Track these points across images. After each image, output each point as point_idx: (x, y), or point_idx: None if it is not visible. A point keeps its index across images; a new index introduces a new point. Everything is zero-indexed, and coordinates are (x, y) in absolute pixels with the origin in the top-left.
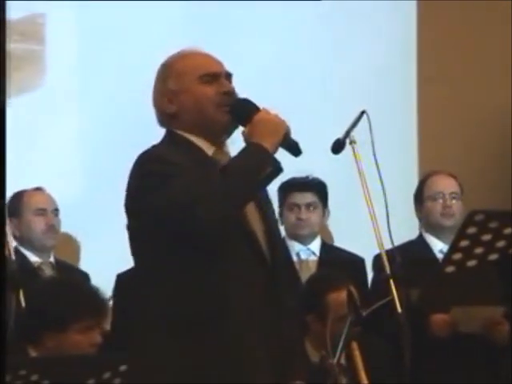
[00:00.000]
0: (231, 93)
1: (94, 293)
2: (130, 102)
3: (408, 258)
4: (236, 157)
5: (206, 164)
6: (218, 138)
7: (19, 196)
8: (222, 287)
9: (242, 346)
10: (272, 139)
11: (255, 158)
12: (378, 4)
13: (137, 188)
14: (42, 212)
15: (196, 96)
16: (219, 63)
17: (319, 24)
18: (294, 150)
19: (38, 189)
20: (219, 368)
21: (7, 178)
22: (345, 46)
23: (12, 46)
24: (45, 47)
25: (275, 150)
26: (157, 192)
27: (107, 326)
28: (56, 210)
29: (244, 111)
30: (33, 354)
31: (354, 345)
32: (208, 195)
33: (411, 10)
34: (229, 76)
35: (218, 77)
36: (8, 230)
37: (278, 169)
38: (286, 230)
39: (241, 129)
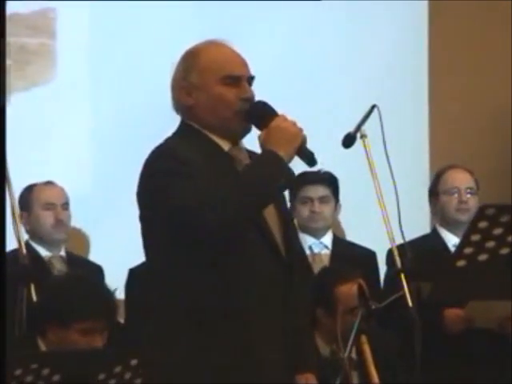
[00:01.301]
0: (250, 99)
1: (101, 295)
2: (140, 96)
3: (422, 253)
4: (251, 164)
5: (223, 160)
6: (232, 139)
7: (30, 189)
8: (237, 281)
9: (256, 343)
10: (288, 148)
11: (271, 167)
12: None
13: (149, 185)
14: (50, 206)
15: (215, 97)
16: (244, 64)
17: (330, 20)
18: (310, 160)
19: (49, 182)
20: (233, 363)
21: (17, 171)
22: (356, 40)
23: (24, 40)
24: (56, 41)
25: (290, 160)
26: (168, 191)
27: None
28: (66, 204)
29: (261, 115)
30: (42, 346)
31: (364, 338)
32: (220, 202)
33: (423, 5)
34: (251, 79)
35: (241, 80)
36: (20, 224)
37: (291, 180)
38: (299, 223)
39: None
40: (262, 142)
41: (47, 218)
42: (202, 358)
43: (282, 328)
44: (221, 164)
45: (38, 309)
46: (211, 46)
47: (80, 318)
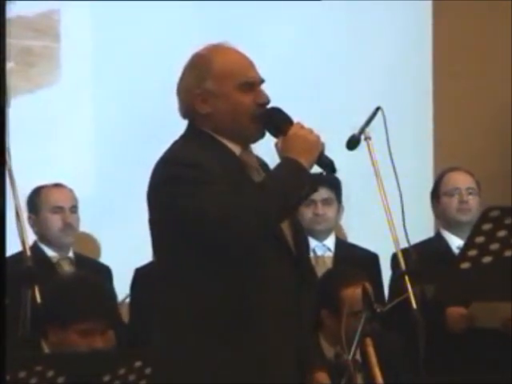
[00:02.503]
0: (266, 104)
1: (101, 296)
2: (144, 98)
3: (425, 255)
4: (275, 173)
5: (235, 164)
6: (246, 144)
7: (38, 192)
8: (249, 284)
9: (267, 346)
10: (308, 157)
11: (294, 177)
12: (395, 1)
13: (161, 191)
14: (58, 210)
15: (234, 104)
16: (255, 67)
17: (335, 21)
18: (329, 168)
19: (58, 185)
20: (243, 366)
21: (21, 174)
22: (360, 42)
23: (28, 42)
24: (60, 44)
25: (311, 168)
26: (181, 199)
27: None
28: (74, 207)
29: (276, 122)
30: (45, 348)
31: (368, 341)
32: (243, 215)
33: (427, 6)
34: (262, 82)
35: (256, 85)
36: (27, 226)
37: (314, 187)
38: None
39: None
40: (281, 151)
41: (55, 222)
42: (210, 361)
43: (294, 331)
44: (233, 168)
45: (40, 310)
46: (221, 50)
47: (79, 319)
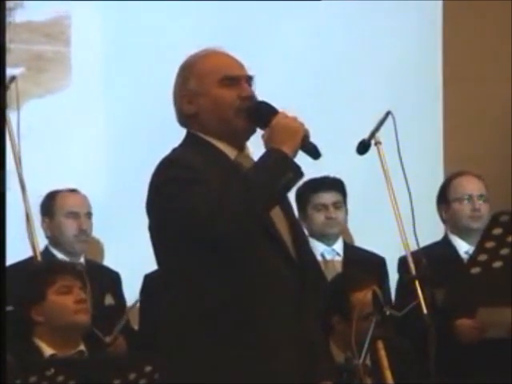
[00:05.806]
0: (251, 97)
1: (65, 261)
2: (155, 102)
3: (433, 259)
4: (257, 164)
5: (229, 168)
6: (238, 142)
7: (53, 196)
8: (249, 286)
9: (270, 347)
10: (290, 144)
11: (275, 164)
12: (404, 3)
13: (158, 194)
14: (74, 215)
15: (215, 100)
16: (241, 66)
17: (344, 23)
18: (313, 153)
19: (73, 190)
20: (247, 368)
21: (31, 179)
22: (370, 46)
23: (39, 47)
24: (71, 48)
25: (294, 155)
26: (178, 200)
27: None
28: (89, 214)
29: (262, 114)
30: (39, 343)
31: (380, 344)
32: (230, 207)
33: (437, 10)
34: (249, 79)
35: (239, 80)
36: (37, 231)
37: (298, 173)
38: (314, 229)
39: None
40: (266, 141)
41: (69, 227)
42: (215, 363)
43: (297, 332)
44: (226, 171)
45: (21, 307)
46: (206, 53)
47: (51, 280)
